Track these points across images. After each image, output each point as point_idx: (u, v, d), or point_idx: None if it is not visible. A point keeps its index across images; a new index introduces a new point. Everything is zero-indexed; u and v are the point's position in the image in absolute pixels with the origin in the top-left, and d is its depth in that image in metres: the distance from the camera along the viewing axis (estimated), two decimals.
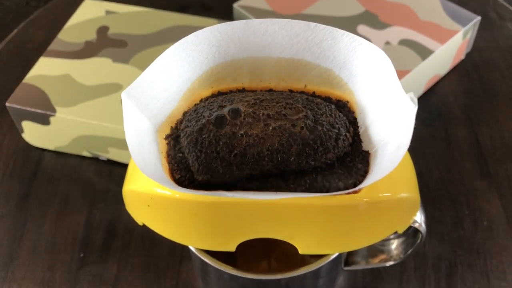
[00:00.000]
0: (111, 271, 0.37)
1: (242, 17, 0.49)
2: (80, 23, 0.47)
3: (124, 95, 0.24)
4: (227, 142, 0.23)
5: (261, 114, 0.24)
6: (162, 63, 0.25)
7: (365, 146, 0.25)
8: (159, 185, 0.24)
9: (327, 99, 0.27)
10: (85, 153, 0.43)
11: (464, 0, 0.56)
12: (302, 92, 0.27)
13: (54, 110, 0.40)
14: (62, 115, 0.40)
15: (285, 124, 0.24)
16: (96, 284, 0.36)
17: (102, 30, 0.46)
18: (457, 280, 0.36)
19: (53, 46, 0.45)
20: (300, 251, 0.26)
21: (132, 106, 0.24)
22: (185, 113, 0.26)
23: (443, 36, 0.45)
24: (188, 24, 0.47)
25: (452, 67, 0.50)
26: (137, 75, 0.43)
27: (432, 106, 0.47)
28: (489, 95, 0.48)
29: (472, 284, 0.36)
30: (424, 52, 0.44)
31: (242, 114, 0.24)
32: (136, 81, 0.24)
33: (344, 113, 0.26)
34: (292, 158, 0.23)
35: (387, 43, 0.44)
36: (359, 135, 0.26)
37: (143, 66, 0.43)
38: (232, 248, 0.26)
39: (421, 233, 0.30)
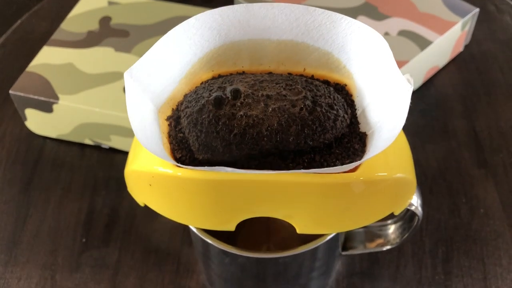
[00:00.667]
0: (112, 256, 0.38)
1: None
2: (83, 14, 0.48)
3: (126, 74, 0.24)
4: (227, 122, 0.24)
5: (260, 95, 0.24)
6: (164, 45, 0.26)
7: (362, 128, 0.26)
8: (161, 164, 0.24)
9: (326, 82, 0.28)
10: (87, 141, 0.44)
11: None
12: (301, 75, 0.28)
13: (57, 98, 0.41)
14: (65, 103, 0.41)
15: (285, 105, 0.24)
16: (98, 268, 0.37)
17: (105, 20, 0.47)
18: (453, 265, 0.36)
19: (56, 35, 0.46)
20: (298, 231, 0.26)
21: (134, 86, 0.24)
22: (185, 95, 0.27)
23: (441, 27, 0.45)
24: (189, 14, 0.47)
25: (451, 59, 0.50)
26: None
27: (431, 97, 0.47)
28: (487, 86, 0.48)
29: (468, 269, 0.36)
30: (423, 43, 0.44)
31: (242, 95, 0.24)
32: (138, 62, 0.25)
33: (342, 96, 0.27)
34: (291, 138, 0.24)
35: (387, 33, 0.45)
36: (357, 117, 0.26)
37: None
38: (232, 227, 0.26)
39: (418, 216, 0.30)
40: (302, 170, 0.22)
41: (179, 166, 0.23)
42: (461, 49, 0.50)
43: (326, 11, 0.26)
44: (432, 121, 0.46)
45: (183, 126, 0.25)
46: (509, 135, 0.44)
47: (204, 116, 0.24)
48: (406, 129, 0.44)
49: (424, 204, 0.40)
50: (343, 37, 0.27)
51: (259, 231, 0.36)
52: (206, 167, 0.22)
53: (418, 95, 0.47)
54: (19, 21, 0.55)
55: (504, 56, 0.50)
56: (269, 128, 0.23)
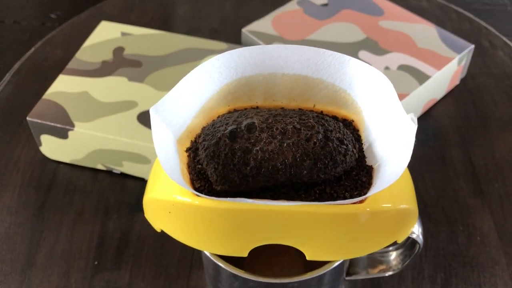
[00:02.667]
0: (124, 278, 0.39)
1: (250, 41, 0.52)
2: (97, 44, 0.50)
3: (152, 110, 0.26)
4: (243, 155, 0.26)
5: (274, 129, 0.26)
6: (186, 83, 0.28)
7: (368, 161, 0.28)
8: (180, 193, 0.26)
9: (334, 118, 0.30)
10: (100, 166, 0.45)
11: (459, 29, 0.59)
12: (312, 111, 0.30)
13: (72, 125, 0.43)
14: (80, 130, 0.43)
15: (299, 140, 0.26)
16: None
17: (118, 51, 0.49)
18: None
19: (71, 64, 0.48)
20: (308, 257, 0.28)
21: (158, 121, 0.26)
22: (203, 128, 0.29)
23: (439, 62, 0.48)
24: (199, 47, 0.49)
25: (448, 92, 0.52)
26: (151, 93, 0.45)
27: (429, 128, 0.50)
28: (482, 118, 0.50)
29: None
30: (421, 77, 0.47)
31: (257, 128, 0.26)
32: (163, 99, 0.27)
33: (349, 131, 0.29)
34: (305, 172, 0.25)
35: (387, 68, 0.47)
36: (363, 151, 0.28)
37: (157, 85, 0.46)
38: (245, 253, 0.28)
39: (419, 243, 0.32)
40: (314, 203, 0.24)
41: (199, 196, 0.25)
42: (457, 82, 0.53)
43: (335, 53, 0.29)
44: (430, 151, 0.48)
45: (201, 158, 0.27)
46: (504, 165, 0.46)
47: (221, 149, 0.26)
48: None
49: (423, 231, 0.42)
50: (350, 76, 0.29)
51: (267, 254, 0.38)
52: (226, 198, 0.24)
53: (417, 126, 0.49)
54: (33, 49, 0.57)
55: (498, 89, 0.53)
56: (284, 162, 0.25)
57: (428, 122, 0.50)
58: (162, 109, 0.27)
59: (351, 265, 0.36)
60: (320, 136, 0.26)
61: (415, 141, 0.48)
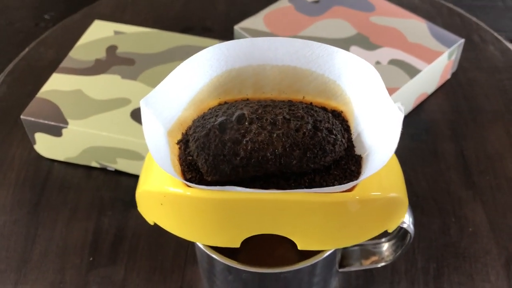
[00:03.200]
0: (119, 273, 0.39)
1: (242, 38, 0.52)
2: (90, 42, 0.50)
3: (142, 102, 0.26)
4: (233, 146, 0.26)
5: (264, 119, 0.27)
6: (177, 75, 0.28)
7: (357, 151, 0.28)
8: (172, 184, 0.26)
9: (324, 109, 0.30)
10: (94, 164, 0.46)
11: (450, 25, 0.60)
12: (301, 102, 0.30)
13: (66, 123, 0.43)
14: (74, 127, 0.43)
15: (288, 130, 0.26)
16: (105, 286, 0.38)
17: (111, 49, 0.49)
18: (444, 282, 0.38)
19: (65, 63, 0.48)
20: (299, 247, 0.28)
21: (149, 113, 0.27)
22: (194, 120, 0.29)
23: (429, 56, 0.48)
24: (191, 44, 0.50)
25: (439, 86, 0.53)
26: (144, 90, 0.45)
27: (421, 122, 0.50)
28: (473, 112, 0.51)
29: (458, 285, 0.38)
30: (412, 71, 0.47)
31: (247, 119, 0.27)
32: (153, 91, 0.27)
33: (339, 121, 0.29)
34: (294, 161, 0.26)
35: (378, 62, 0.48)
36: (352, 141, 0.29)
37: (150, 83, 0.46)
38: (237, 244, 0.28)
39: (410, 233, 0.32)
40: (304, 190, 0.24)
41: (190, 186, 0.25)
42: (448, 76, 0.53)
43: (324, 44, 0.29)
44: (422, 144, 0.48)
45: (192, 150, 0.27)
46: (495, 158, 0.47)
47: (211, 140, 0.26)
48: (398, 152, 0.47)
49: (416, 223, 0.42)
50: (339, 68, 0.29)
51: (260, 247, 0.38)
52: (216, 186, 0.24)
53: (408, 120, 0.50)
54: (27, 49, 0.58)
55: (489, 83, 0.53)
56: (273, 152, 0.25)
57: (419, 116, 0.50)
58: (152, 102, 0.27)
59: (344, 257, 0.37)
60: (310, 126, 0.26)
61: (407, 135, 0.49)
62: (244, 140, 0.26)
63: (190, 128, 0.29)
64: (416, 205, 0.43)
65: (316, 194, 0.25)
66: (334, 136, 0.27)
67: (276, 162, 0.26)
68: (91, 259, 0.40)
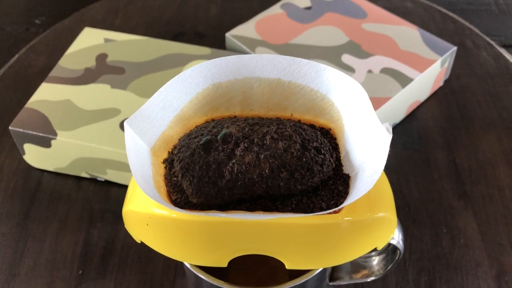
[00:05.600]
0: (108, 287, 0.39)
1: (233, 46, 0.52)
2: (80, 51, 0.50)
3: (126, 124, 0.26)
4: (218, 168, 0.25)
5: (251, 139, 0.26)
6: (162, 94, 0.27)
7: (345, 170, 0.28)
8: (158, 206, 0.26)
9: (312, 127, 0.30)
10: (84, 174, 0.45)
11: (443, 30, 0.59)
12: (289, 120, 0.30)
13: (55, 134, 0.43)
14: (63, 138, 0.42)
15: (276, 151, 0.26)
16: None
17: (101, 57, 0.49)
18: None
19: (54, 72, 0.48)
20: (287, 266, 0.28)
21: (133, 134, 0.26)
22: (180, 139, 0.29)
23: (422, 65, 0.48)
24: (182, 52, 0.49)
25: (432, 93, 0.53)
26: (134, 100, 0.45)
27: (413, 130, 0.50)
28: (466, 119, 0.51)
29: None
30: (404, 80, 0.47)
31: (233, 138, 0.26)
32: (138, 111, 0.27)
33: (327, 139, 0.29)
34: (282, 183, 0.25)
35: (370, 71, 0.47)
36: (340, 159, 0.28)
37: (140, 92, 0.46)
38: (224, 264, 0.28)
39: (399, 250, 0.32)
40: (290, 215, 0.24)
41: (174, 210, 0.25)
42: (441, 83, 0.53)
43: (311, 61, 0.29)
44: (414, 153, 0.48)
45: (176, 170, 0.27)
46: (487, 167, 0.47)
47: (195, 161, 0.26)
48: (390, 160, 0.47)
49: (407, 234, 0.42)
50: (326, 85, 0.29)
51: (249, 263, 0.38)
52: (200, 212, 0.24)
53: (401, 128, 0.50)
54: (16, 56, 0.57)
55: (481, 90, 0.53)
56: (260, 174, 0.25)
57: (412, 124, 0.50)
58: (137, 122, 0.27)
59: (334, 270, 0.37)
60: (298, 146, 0.26)
61: (400, 143, 0.48)
62: (230, 162, 0.25)
63: (175, 147, 0.28)
64: (407, 215, 0.43)
65: (303, 217, 0.25)
66: (322, 156, 0.27)
67: (262, 184, 0.25)
68: (80, 272, 0.40)
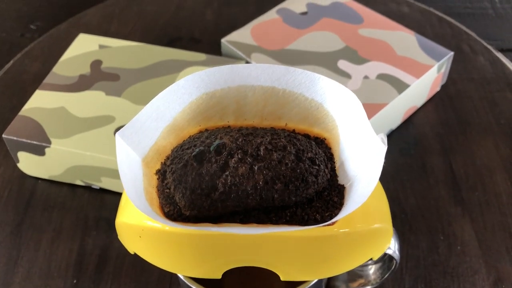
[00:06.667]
0: None
1: (229, 51, 0.51)
2: (74, 57, 0.49)
3: (118, 135, 0.26)
4: (210, 180, 0.25)
5: (245, 150, 0.26)
6: (155, 105, 0.27)
7: (340, 180, 0.27)
8: (149, 218, 0.26)
9: (306, 136, 0.29)
10: (78, 182, 0.45)
11: (440, 34, 0.59)
12: (283, 130, 0.29)
13: (49, 142, 0.42)
14: (57, 147, 0.42)
15: (270, 162, 0.25)
16: None
17: (96, 64, 0.49)
18: None
19: (48, 79, 0.47)
20: (282, 278, 0.28)
21: (125, 145, 0.26)
22: (172, 150, 0.28)
23: (418, 70, 0.48)
24: (178, 58, 0.49)
25: (428, 99, 0.52)
26: (129, 107, 0.45)
27: (409, 136, 0.49)
28: (463, 125, 0.50)
29: None
30: (400, 86, 0.46)
31: (227, 148, 0.26)
32: (130, 123, 0.26)
33: (322, 149, 0.29)
34: (276, 195, 0.25)
35: (366, 77, 0.47)
36: (335, 170, 0.28)
37: (135, 99, 0.45)
38: (218, 275, 0.27)
39: (395, 259, 0.32)
40: (284, 228, 0.24)
41: (166, 223, 0.25)
42: (438, 89, 0.53)
43: (305, 71, 0.28)
44: (411, 159, 0.48)
45: (169, 182, 0.26)
46: (484, 173, 0.46)
47: (188, 173, 0.25)
48: (386, 167, 0.46)
49: (404, 241, 0.42)
50: (321, 94, 0.29)
51: (245, 274, 0.37)
52: (192, 226, 0.24)
53: (397, 134, 0.49)
54: (11, 61, 0.57)
55: (478, 95, 0.53)
56: (254, 186, 0.25)
57: (408, 130, 0.50)
58: (129, 133, 0.26)
59: (330, 280, 0.36)
60: (292, 156, 0.26)
61: (396, 149, 0.48)
62: (224, 173, 0.25)
63: (168, 158, 0.28)
64: (404, 222, 0.43)
65: (298, 230, 0.25)
66: (317, 167, 0.26)
67: (256, 196, 0.25)
68: (74, 281, 0.39)
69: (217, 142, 0.26)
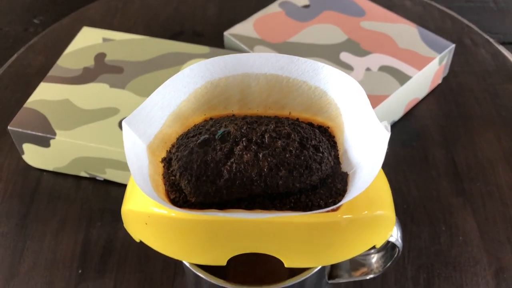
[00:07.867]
0: (108, 286, 0.39)
1: (232, 45, 0.52)
2: (79, 50, 0.50)
3: (124, 123, 0.26)
4: (216, 167, 0.25)
5: (249, 137, 0.26)
6: (161, 93, 0.28)
7: (344, 168, 0.28)
8: (156, 205, 0.26)
9: (310, 125, 0.30)
10: (83, 174, 0.45)
11: (441, 27, 0.59)
12: (287, 118, 0.30)
13: (54, 133, 0.43)
14: (61, 138, 0.42)
15: (274, 149, 0.26)
16: None
17: (100, 57, 0.49)
18: None
19: (52, 72, 0.48)
20: (286, 265, 0.28)
21: (131, 133, 0.26)
22: (178, 138, 0.29)
23: (420, 62, 0.48)
24: (181, 51, 0.49)
25: (430, 91, 0.53)
26: (133, 99, 0.45)
27: (411, 128, 0.50)
28: (464, 117, 0.51)
29: None
30: (402, 78, 0.47)
31: (232, 136, 0.26)
32: (136, 110, 0.27)
33: (325, 137, 0.29)
34: (280, 182, 0.25)
35: (368, 69, 0.47)
36: (338, 157, 0.28)
37: (138, 91, 0.46)
38: (223, 262, 0.28)
39: (398, 247, 0.32)
40: (288, 213, 0.24)
41: (172, 209, 0.25)
42: (439, 81, 0.53)
43: (309, 60, 0.29)
44: (412, 151, 0.48)
45: (175, 169, 0.27)
46: (486, 164, 0.47)
47: (193, 161, 0.26)
48: (388, 158, 0.47)
49: (406, 231, 0.42)
50: (324, 83, 0.29)
51: (249, 261, 0.38)
52: (198, 211, 0.24)
53: (399, 126, 0.50)
54: (15, 55, 0.57)
55: (480, 87, 0.53)
56: (258, 173, 0.25)
57: (410, 122, 0.50)
58: (135, 121, 0.27)
59: (333, 268, 0.37)
60: (296, 144, 0.26)
61: (398, 142, 0.48)
62: (229, 160, 0.26)
63: (173, 146, 0.28)
64: (406, 213, 0.43)
65: (301, 215, 0.25)
66: (320, 154, 0.27)
67: (261, 183, 0.25)
68: (80, 271, 0.40)
69: (222, 130, 0.27)
